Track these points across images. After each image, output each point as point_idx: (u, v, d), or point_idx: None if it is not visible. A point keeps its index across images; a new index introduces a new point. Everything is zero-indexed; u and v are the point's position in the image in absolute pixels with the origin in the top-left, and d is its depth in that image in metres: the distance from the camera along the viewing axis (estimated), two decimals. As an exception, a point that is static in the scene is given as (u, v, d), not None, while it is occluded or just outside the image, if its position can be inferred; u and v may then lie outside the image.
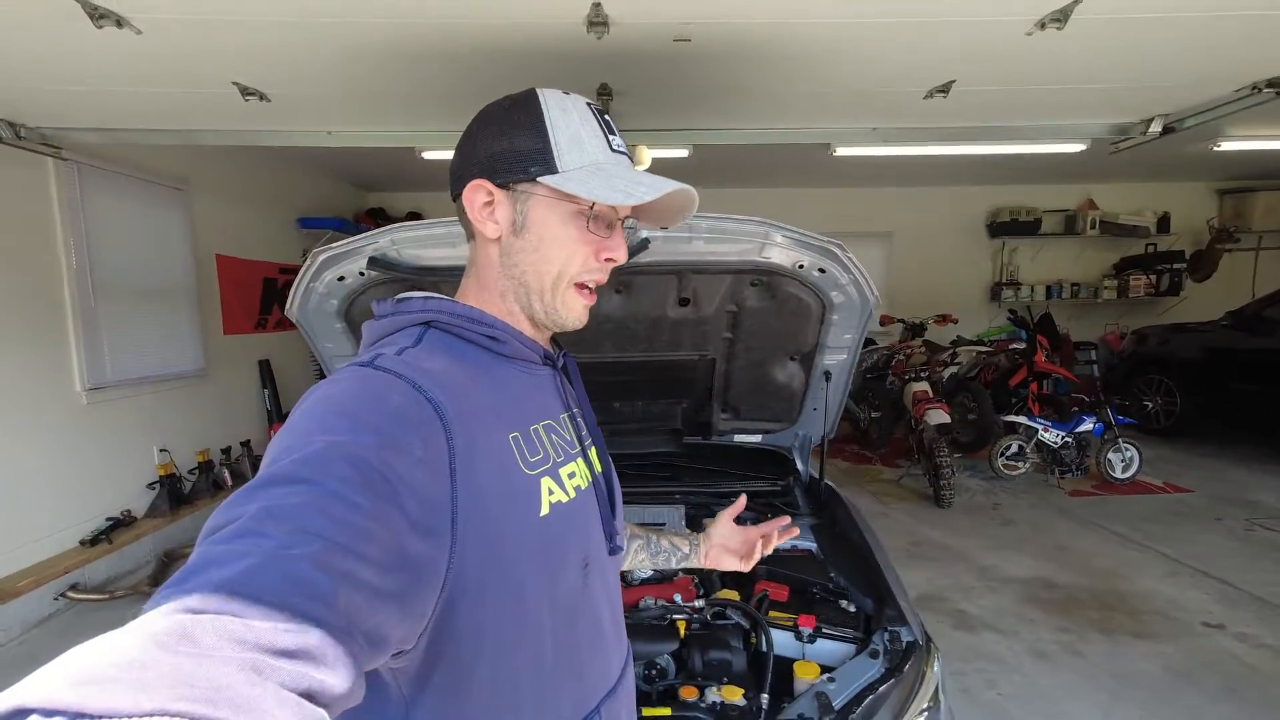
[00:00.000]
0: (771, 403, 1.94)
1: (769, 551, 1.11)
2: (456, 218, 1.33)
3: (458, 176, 0.67)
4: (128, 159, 3.59)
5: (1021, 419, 4.59)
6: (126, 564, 3.43)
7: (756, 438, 2.09)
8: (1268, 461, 5.00)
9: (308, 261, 1.42)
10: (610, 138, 0.67)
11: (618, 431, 2.08)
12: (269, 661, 0.33)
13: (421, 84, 2.32)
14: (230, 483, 4.23)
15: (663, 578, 1.61)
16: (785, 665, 1.31)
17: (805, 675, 1.28)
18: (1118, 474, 4.50)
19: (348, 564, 0.40)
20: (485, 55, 2.05)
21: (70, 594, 3.05)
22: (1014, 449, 4.60)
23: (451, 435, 0.53)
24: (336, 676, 0.36)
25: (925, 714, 1.19)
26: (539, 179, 0.63)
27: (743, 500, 1.15)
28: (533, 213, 0.64)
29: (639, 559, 1.06)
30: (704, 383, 1.90)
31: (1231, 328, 5.16)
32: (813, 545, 1.76)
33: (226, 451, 4.36)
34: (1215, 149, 4.57)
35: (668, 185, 0.64)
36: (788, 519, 1.15)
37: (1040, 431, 4.50)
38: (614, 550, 0.73)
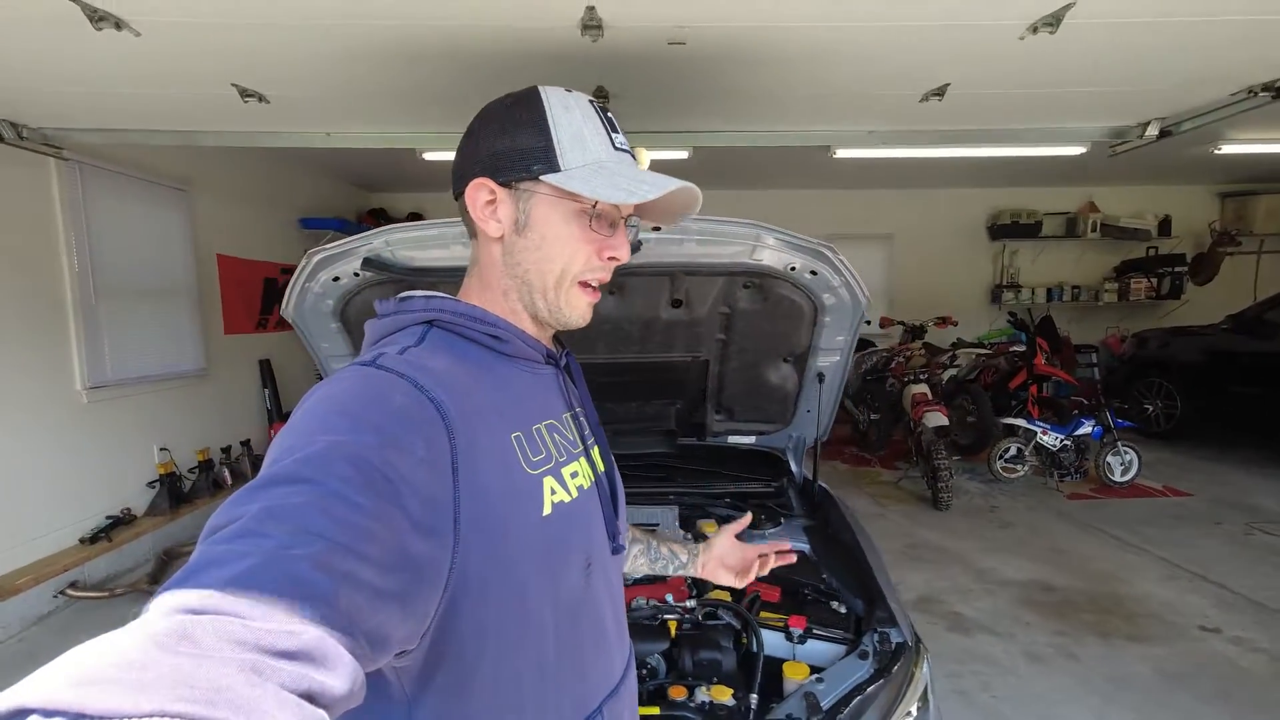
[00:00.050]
0: (765, 404, 1.95)
1: (764, 573, 1.11)
2: (452, 219, 1.35)
3: (460, 175, 0.67)
4: (130, 159, 3.62)
5: (1020, 422, 4.59)
6: (126, 562, 3.45)
7: (750, 439, 2.09)
8: (1268, 465, 4.99)
9: (303, 262, 1.43)
10: (613, 135, 0.66)
11: (612, 432, 2.08)
12: (269, 662, 0.33)
13: (418, 86, 2.33)
14: (230, 482, 4.24)
15: (655, 577, 1.62)
16: (775, 666, 1.31)
17: (794, 676, 1.28)
18: (1116, 477, 4.49)
19: (349, 564, 0.40)
20: (482, 57, 2.07)
21: (70, 592, 3.06)
22: (1012, 452, 4.60)
23: (453, 435, 0.53)
24: (337, 677, 0.36)
25: (914, 715, 1.19)
26: (541, 177, 0.63)
27: (747, 518, 1.16)
28: (535, 211, 0.64)
29: (638, 564, 1.06)
30: (698, 384, 1.91)
31: (1232, 331, 5.15)
32: (805, 546, 1.76)
33: (227, 451, 4.38)
34: (1216, 152, 4.57)
35: (671, 183, 0.64)
36: (788, 544, 1.14)
37: (1039, 434, 4.49)
38: (617, 550, 0.73)
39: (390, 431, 0.49)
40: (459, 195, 0.67)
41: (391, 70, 2.19)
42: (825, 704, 1.18)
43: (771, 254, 1.44)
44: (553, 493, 0.62)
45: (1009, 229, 6.98)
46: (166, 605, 0.35)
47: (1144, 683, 2.36)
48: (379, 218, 6.53)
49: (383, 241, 1.41)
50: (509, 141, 0.64)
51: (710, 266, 1.49)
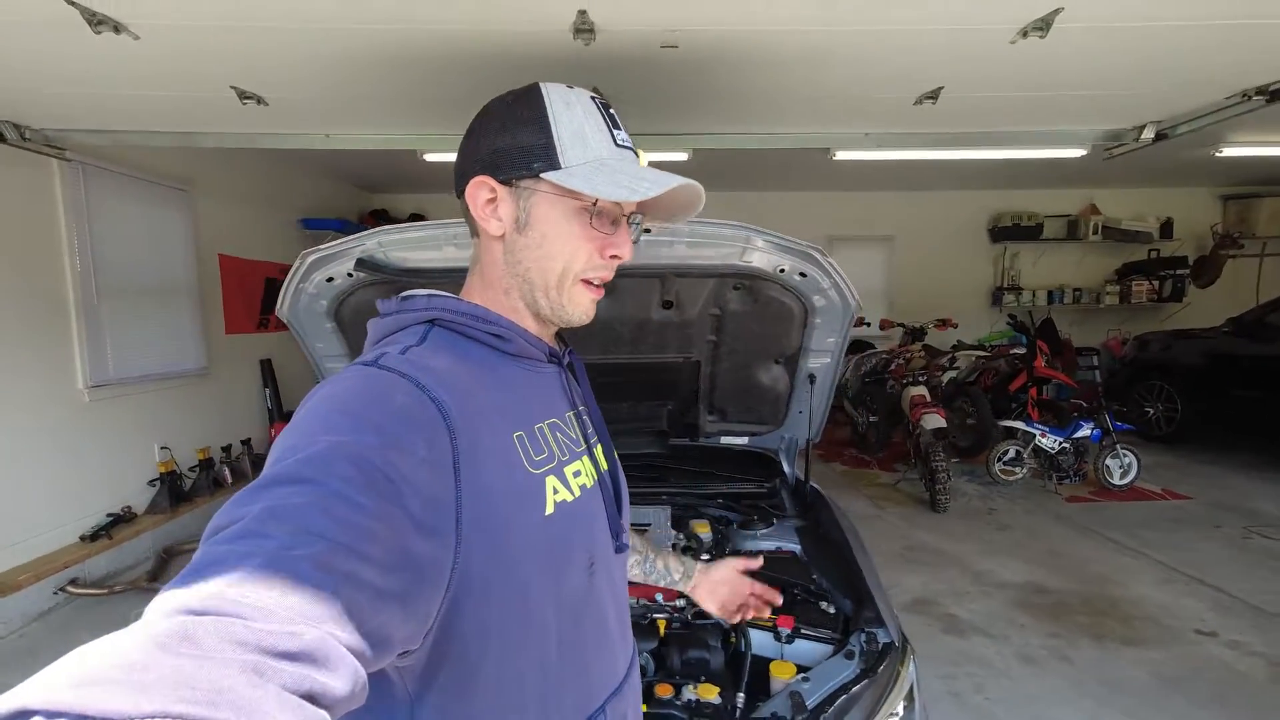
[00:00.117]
0: (757, 405, 1.96)
1: (748, 618, 1.12)
2: (446, 220, 1.36)
3: (461, 173, 0.67)
4: (132, 160, 3.64)
5: (1019, 424, 4.58)
6: (126, 560, 3.47)
7: (743, 440, 2.10)
8: (1268, 469, 4.97)
9: (297, 263, 1.45)
10: (615, 132, 0.65)
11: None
12: (270, 663, 0.33)
13: (414, 88, 2.35)
14: (231, 481, 4.27)
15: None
16: (763, 665, 1.32)
17: (781, 675, 1.29)
18: (1115, 480, 4.48)
19: (350, 564, 0.40)
20: (478, 60, 2.08)
21: (70, 589, 3.08)
22: (1011, 454, 4.59)
23: (455, 435, 0.53)
24: (338, 678, 0.36)
25: (899, 714, 1.20)
26: (542, 175, 0.62)
27: (758, 562, 1.15)
28: (536, 209, 0.64)
29: (631, 574, 1.06)
30: (689, 385, 1.92)
31: (1233, 334, 5.14)
32: (796, 547, 1.77)
33: (227, 450, 4.40)
34: (1218, 154, 4.55)
35: (672, 181, 0.63)
36: (780, 599, 1.15)
37: (1038, 437, 4.49)
38: (620, 549, 0.72)
39: (392, 431, 0.49)
40: (461, 194, 0.67)
41: (387, 73, 2.20)
42: (810, 703, 1.19)
43: (761, 256, 1.45)
44: (555, 492, 0.61)
45: (1010, 231, 6.97)
46: (168, 606, 0.35)
47: (1139, 686, 2.36)
48: (380, 219, 6.55)
49: (376, 243, 1.42)
50: (510, 139, 0.63)
51: (701, 268, 1.50)
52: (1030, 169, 5.82)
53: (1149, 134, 2.76)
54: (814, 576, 1.62)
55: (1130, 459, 4.45)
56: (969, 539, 3.78)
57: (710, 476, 2.04)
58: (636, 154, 0.69)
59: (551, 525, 0.60)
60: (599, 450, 0.73)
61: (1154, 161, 5.23)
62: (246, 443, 4.64)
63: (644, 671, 1.35)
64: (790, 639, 1.40)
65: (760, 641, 1.40)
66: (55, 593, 3.06)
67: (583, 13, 1.70)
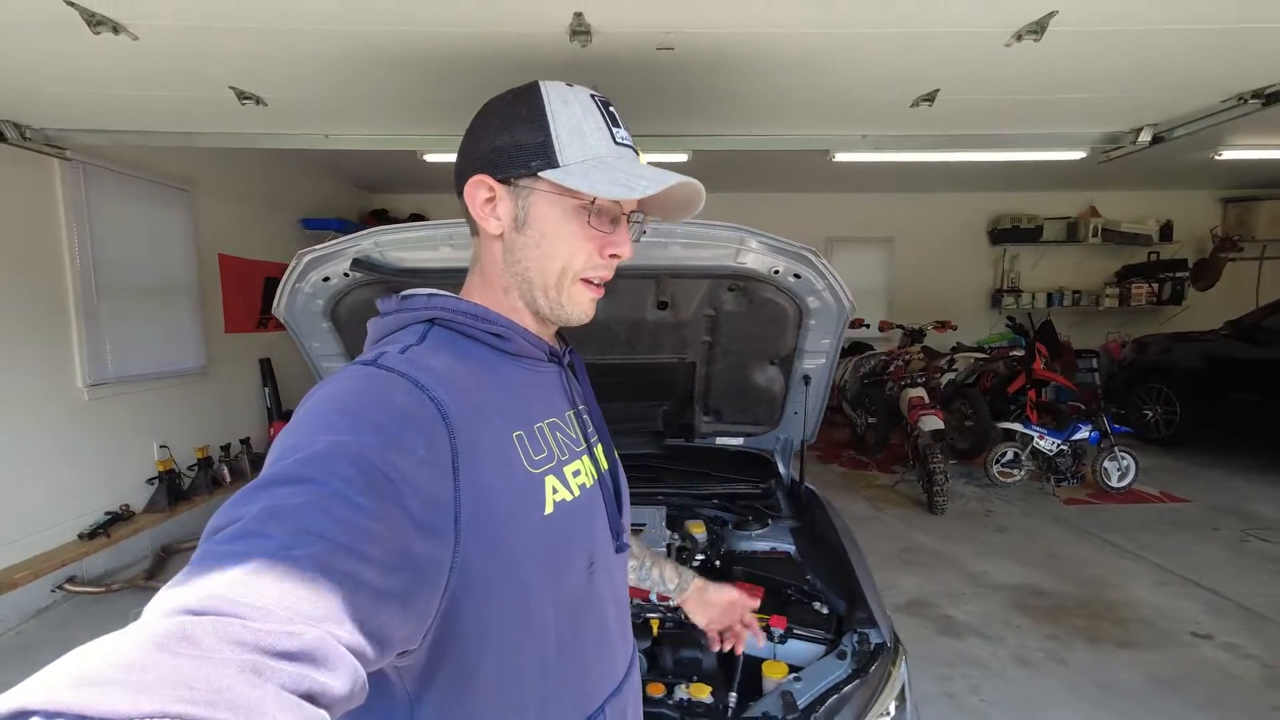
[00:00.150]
0: (752, 406, 1.96)
1: (726, 648, 1.13)
2: (443, 221, 1.37)
3: (460, 172, 0.67)
4: (133, 160, 3.66)
5: (1017, 426, 4.58)
6: (124, 558, 3.48)
7: (738, 440, 2.11)
8: (1266, 472, 4.97)
9: (293, 262, 1.46)
10: (614, 130, 0.65)
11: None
12: (269, 663, 0.33)
13: (413, 89, 2.36)
14: (229, 479, 4.28)
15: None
16: (755, 665, 1.32)
17: (773, 675, 1.29)
18: (1113, 483, 4.48)
19: (350, 564, 0.40)
20: (476, 62, 2.09)
21: (67, 586, 3.09)
22: (1009, 456, 4.59)
23: (454, 434, 0.53)
24: (338, 678, 0.36)
25: (891, 714, 1.21)
26: (540, 173, 0.62)
27: (757, 602, 1.16)
28: (534, 208, 0.63)
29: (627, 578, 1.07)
30: (685, 385, 1.92)
31: (1232, 337, 5.14)
32: (791, 548, 1.77)
33: (226, 449, 4.41)
34: (1217, 157, 4.56)
35: (670, 178, 0.63)
36: (764, 640, 1.15)
37: (1036, 439, 4.49)
38: (620, 548, 0.72)
39: (391, 431, 0.49)
40: (461, 193, 0.67)
41: (385, 74, 2.21)
42: (801, 703, 1.19)
43: (755, 257, 1.46)
44: (554, 491, 0.61)
45: (1010, 233, 6.98)
46: (167, 606, 0.35)
47: (1134, 688, 2.36)
48: (381, 219, 6.57)
49: (372, 243, 1.43)
50: (508, 137, 0.63)
51: (695, 269, 1.50)
52: (1030, 171, 5.82)
53: (1145, 137, 2.77)
54: (808, 577, 1.63)
55: (1128, 461, 4.45)
56: (966, 541, 3.78)
57: (705, 477, 2.05)
58: (637, 152, 0.68)
59: (551, 525, 0.60)
60: (599, 449, 0.73)
61: (1153, 164, 5.23)
62: (245, 442, 4.65)
63: (637, 670, 1.36)
64: (783, 639, 1.41)
65: (753, 642, 1.41)
66: (53, 590, 3.07)
67: (579, 14, 1.71)
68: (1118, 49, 1.99)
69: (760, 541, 1.80)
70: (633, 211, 0.69)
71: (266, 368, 4.99)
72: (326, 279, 1.50)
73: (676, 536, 1.78)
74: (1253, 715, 2.22)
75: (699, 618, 1.12)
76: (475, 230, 0.68)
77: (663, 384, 1.93)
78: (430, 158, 3.76)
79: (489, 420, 0.58)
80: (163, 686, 0.29)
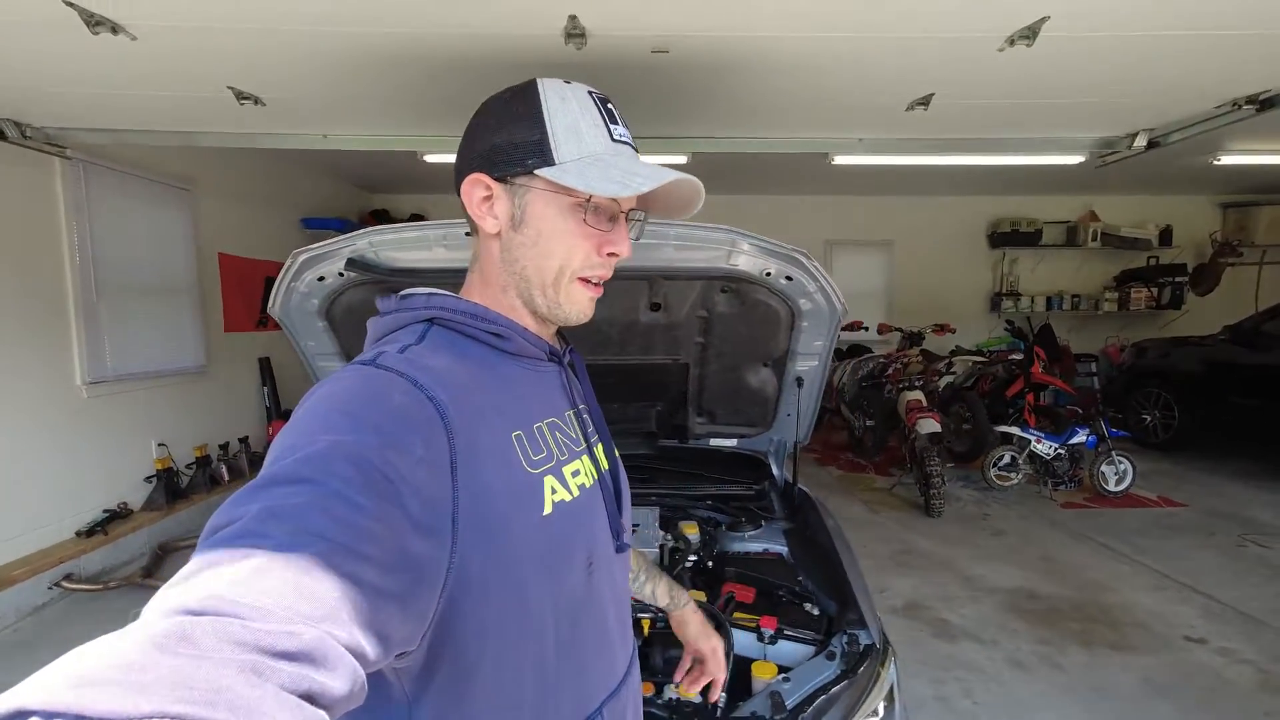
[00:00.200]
0: (746, 407, 1.97)
1: (678, 680, 1.09)
2: (439, 221, 1.37)
3: (459, 170, 0.67)
4: (133, 159, 3.67)
5: (1015, 430, 4.58)
6: (121, 556, 3.49)
7: (732, 442, 2.11)
8: (1264, 477, 4.97)
9: (289, 262, 1.46)
10: (612, 127, 0.64)
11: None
12: (269, 663, 0.33)
13: (411, 89, 2.37)
14: (228, 478, 4.28)
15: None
16: (745, 665, 1.33)
17: (763, 675, 1.30)
18: (1111, 487, 4.48)
19: (349, 564, 0.40)
20: (472, 63, 2.10)
21: (65, 584, 3.10)
22: (1006, 459, 4.59)
23: (453, 434, 0.53)
24: (337, 678, 0.36)
25: (880, 714, 1.21)
26: (536, 171, 0.62)
27: (723, 677, 1.08)
28: (531, 207, 0.63)
29: None
30: (678, 387, 1.93)
31: (1230, 342, 5.14)
32: (783, 549, 1.78)
33: (225, 447, 4.42)
34: (1216, 163, 4.56)
35: (666, 175, 0.62)
36: (717, 692, 1.09)
37: (1033, 442, 4.49)
38: (620, 549, 0.72)
39: (390, 431, 0.49)
40: (459, 191, 0.67)
41: (383, 75, 2.22)
42: (790, 703, 1.20)
43: (747, 259, 1.46)
44: (553, 492, 0.61)
45: (1009, 237, 6.99)
46: (166, 606, 0.35)
47: (1127, 692, 2.36)
48: (381, 219, 6.58)
49: (367, 243, 1.43)
50: (505, 136, 0.63)
51: (687, 271, 1.51)
52: (1029, 175, 5.83)
53: (1141, 142, 2.78)
54: (799, 578, 1.63)
55: (1125, 466, 4.45)
56: (963, 544, 3.78)
57: (699, 478, 2.05)
58: (636, 149, 0.68)
59: (549, 525, 0.59)
60: (599, 449, 0.73)
61: (1152, 169, 5.24)
62: (244, 440, 4.66)
63: (628, 670, 1.36)
64: (773, 640, 1.42)
65: (743, 642, 1.41)
66: (50, 588, 3.07)
67: (573, 17, 1.72)
68: (1110, 54, 2.00)
69: (753, 543, 1.81)
70: (632, 209, 0.68)
71: (266, 367, 5.00)
72: (321, 278, 1.50)
73: (670, 537, 1.78)
74: (1244, 718, 2.22)
75: (680, 634, 1.10)
76: (474, 229, 0.68)
77: (656, 385, 1.94)
78: (430, 158, 3.77)
79: (488, 420, 0.58)
80: (162, 687, 0.29)
